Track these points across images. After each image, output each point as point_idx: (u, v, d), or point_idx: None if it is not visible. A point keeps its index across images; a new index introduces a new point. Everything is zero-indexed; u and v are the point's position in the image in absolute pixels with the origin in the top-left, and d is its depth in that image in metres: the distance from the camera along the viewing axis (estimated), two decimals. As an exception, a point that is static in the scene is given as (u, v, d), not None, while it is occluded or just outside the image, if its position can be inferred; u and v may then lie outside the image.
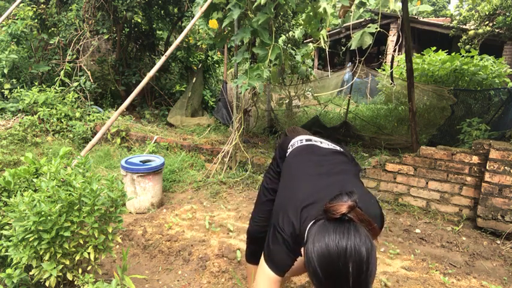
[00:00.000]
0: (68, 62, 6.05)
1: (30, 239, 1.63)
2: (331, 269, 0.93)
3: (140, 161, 3.58)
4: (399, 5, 4.16)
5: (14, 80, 5.79)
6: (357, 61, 4.05)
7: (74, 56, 6.15)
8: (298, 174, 1.43)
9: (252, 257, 1.91)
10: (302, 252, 1.11)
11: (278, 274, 1.24)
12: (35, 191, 1.97)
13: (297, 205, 1.22)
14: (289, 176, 1.45)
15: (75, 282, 1.79)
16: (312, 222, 1.09)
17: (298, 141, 1.69)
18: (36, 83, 5.82)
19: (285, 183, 1.44)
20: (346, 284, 0.93)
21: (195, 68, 7.75)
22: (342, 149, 1.63)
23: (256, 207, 1.88)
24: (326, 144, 1.67)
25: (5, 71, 5.57)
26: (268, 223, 1.77)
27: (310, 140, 1.68)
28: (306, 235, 1.08)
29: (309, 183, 1.34)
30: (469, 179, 3.40)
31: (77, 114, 5.49)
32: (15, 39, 5.90)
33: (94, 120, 5.52)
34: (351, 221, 0.98)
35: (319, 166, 1.44)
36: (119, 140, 5.19)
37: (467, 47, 8.67)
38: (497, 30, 8.53)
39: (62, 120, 5.38)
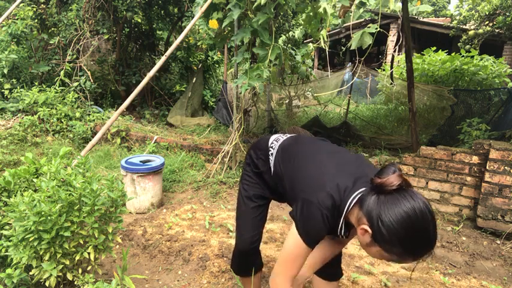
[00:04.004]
0: (68, 62, 6.05)
1: (30, 239, 1.63)
2: (415, 232, 1.06)
3: (140, 161, 3.58)
4: (399, 5, 4.17)
5: (14, 80, 5.79)
6: (357, 61, 4.05)
7: (74, 56, 6.15)
8: (312, 155, 1.45)
9: (246, 271, 1.83)
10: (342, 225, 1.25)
11: (311, 247, 1.30)
12: (35, 191, 1.97)
13: (332, 179, 1.27)
14: (303, 158, 1.46)
15: (75, 282, 1.79)
16: (356, 194, 1.20)
17: (280, 136, 1.70)
18: (36, 83, 5.82)
19: (301, 165, 1.44)
20: (429, 241, 1.08)
21: (195, 68, 7.75)
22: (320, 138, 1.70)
23: (240, 219, 1.78)
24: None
25: (5, 71, 5.57)
26: (256, 232, 1.74)
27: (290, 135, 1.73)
28: (348, 206, 1.21)
29: (331, 160, 1.39)
30: (469, 179, 3.40)
31: (77, 114, 5.49)
32: (15, 39, 5.90)
33: (94, 120, 5.52)
34: (406, 188, 1.12)
35: (324, 147, 1.50)
36: (119, 140, 5.19)
37: (467, 47, 8.66)
38: (497, 30, 8.52)
39: (62, 120, 5.37)
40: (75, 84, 5.95)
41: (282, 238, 2.99)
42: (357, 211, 1.19)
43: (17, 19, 5.90)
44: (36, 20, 6.29)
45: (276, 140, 1.67)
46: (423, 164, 3.57)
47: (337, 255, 1.67)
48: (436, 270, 2.63)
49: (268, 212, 1.86)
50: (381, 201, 1.11)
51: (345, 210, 1.22)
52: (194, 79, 7.42)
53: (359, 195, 1.20)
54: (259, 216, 1.76)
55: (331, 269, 1.67)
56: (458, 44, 9.15)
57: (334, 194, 1.23)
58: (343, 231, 1.29)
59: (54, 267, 1.69)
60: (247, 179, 1.76)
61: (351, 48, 3.27)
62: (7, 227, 1.80)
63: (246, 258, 1.81)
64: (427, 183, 3.59)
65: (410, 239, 1.07)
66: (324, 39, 3.38)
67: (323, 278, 1.72)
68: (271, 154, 1.63)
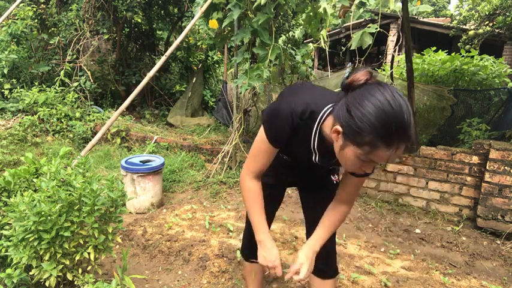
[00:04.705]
0: (68, 62, 6.05)
1: (30, 239, 1.63)
2: (389, 118, 1.00)
3: (140, 161, 3.58)
4: (399, 5, 4.16)
5: (14, 80, 5.79)
6: (357, 61, 4.05)
7: (74, 56, 6.15)
8: (307, 84, 1.52)
9: (252, 253, 1.78)
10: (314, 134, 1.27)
11: (272, 144, 1.35)
12: (35, 191, 1.97)
13: (317, 98, 1.29)
14: (298, 87, 1.53)
15: (75, 282, 1.79)
16: (332, 105, 1.21)
17: None
18: (36, 83, 5.82)
19: (294, 89, 1.50)
20: (402, 125, 1.00)
21: (195, 68, 7.75)
22: None
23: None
24: None
25: (5, 71, 5.57)
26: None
27: None
28: (322, 114, 1.23)
29: (312, 90, 1.43)
30: (469, 179, 3.40)
31: (77, 114, 5.50)
32: (15, 39, 5.90)
33: (94, 120, 5.53)
34: (376, 83, 1.08)
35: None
36: (119, 140, 5.19)
37: (467, 47, 8.66)
38: (497, 30, 8.51)
39: (62, 120, 5.38)
40: (75, 84, 5.95)
41: (282, 238, 2.99)
42: (331, 120, 1.20)
43: (17, 19, 5.90)
44: (36, 20, 6.29)
45: None
46: (423, 164, 3.57)
47: (330, 250, 1.65)
48: (436, 270, 2.63)
49: (281, 199, 1.86)
50: (349, 97, 1.09)
51: (319, 117, 1.24)
52: (194, 79, 7.42)
53: (334, 106, 1.22)
54: (269, 203, 1.69)
55: (324, 265, 1.64)
56: (458, 44, 9.14)
57: (311, 104, 1.25)
58: (316, 144, 1.30)
59: (54, 267, 1.69)
60: None
61: (351, 48, 3.27)
62: (7, 227, 1.80)
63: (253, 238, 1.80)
64: (427, 183, 3.59)
65: (380, 121, 1.00)
66: (324, 39, 3.38)
67: (317, 275, 1.69)
68: None
